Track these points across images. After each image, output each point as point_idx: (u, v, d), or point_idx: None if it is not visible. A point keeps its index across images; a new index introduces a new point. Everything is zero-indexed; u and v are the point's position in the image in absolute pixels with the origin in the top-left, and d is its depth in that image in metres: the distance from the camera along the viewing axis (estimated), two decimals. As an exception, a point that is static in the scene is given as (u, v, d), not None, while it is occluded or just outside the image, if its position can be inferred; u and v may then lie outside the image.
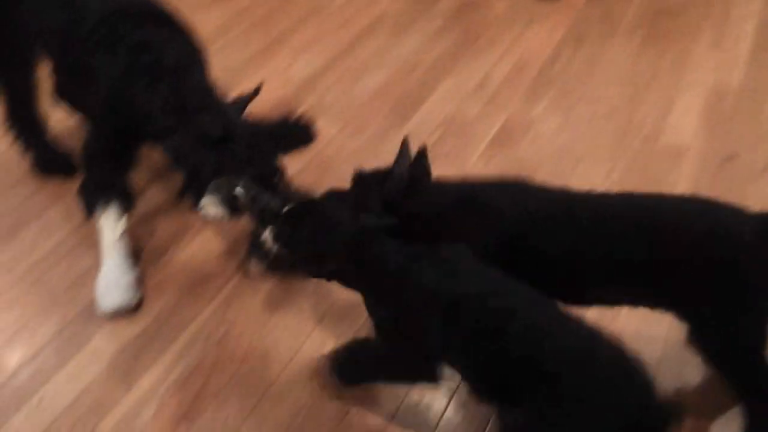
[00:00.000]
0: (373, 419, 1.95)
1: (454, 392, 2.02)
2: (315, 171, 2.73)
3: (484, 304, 1.63)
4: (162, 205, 2.67)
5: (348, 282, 1.81)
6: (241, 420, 1.98)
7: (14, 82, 2.72)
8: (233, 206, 2.18)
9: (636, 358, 1.54)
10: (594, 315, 1.87)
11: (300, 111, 3.04)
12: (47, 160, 2.82)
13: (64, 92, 2.79)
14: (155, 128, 2.29)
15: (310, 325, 2.21)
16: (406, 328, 1.72)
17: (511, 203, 1.80)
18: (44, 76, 2.74)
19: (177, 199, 2.45)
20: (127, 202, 2.46)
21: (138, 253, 2.47)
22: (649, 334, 2.07)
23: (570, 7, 3.75)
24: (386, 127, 2.99)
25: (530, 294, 1.65)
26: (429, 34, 3.61)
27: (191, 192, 2.31)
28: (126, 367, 2.13)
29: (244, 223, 2.33)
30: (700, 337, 1.74)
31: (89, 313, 2.29)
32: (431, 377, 1.77)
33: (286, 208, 1.79)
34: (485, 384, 1.67)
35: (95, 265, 2.38)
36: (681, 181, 2.61)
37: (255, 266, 2.33)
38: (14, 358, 2.17)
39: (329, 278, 1.81)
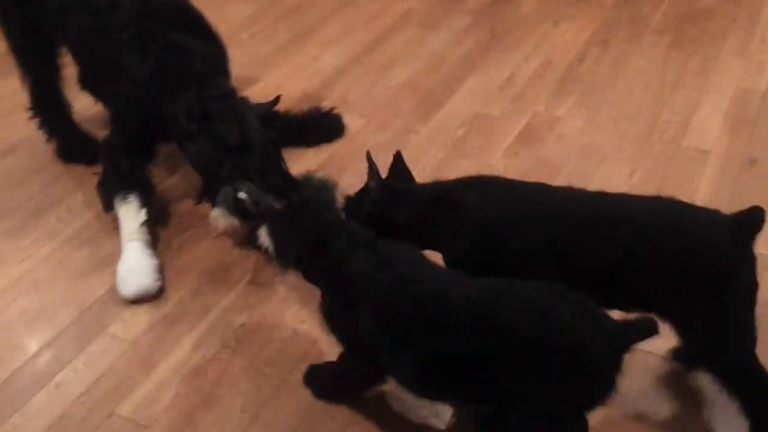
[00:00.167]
0: (389, 411, 1.95)
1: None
2: (337, 164, 2.74)
3: (415, 291, 1.64)
4: (182, 195, 2.68)
5: (311, 277, 1.86)
6: (257, 408, 1.98)
7: (39, 70, 2.76)
8: (242, 212, 2.22)
9: (594, 307, 1.54)
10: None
11: (325, 104, 3.04)
12: (71, 146, 2.85)
13: (89, 85, 2.81)
14: (177, 130, 2.36)
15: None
16: (340, 318, 1.76)
17: (481, 201, 1.80)
18: (69, 62, 2.75)
19: (195, 202, 2.47)
20: (147, 194, 2.49)
21: (158, 242, 2.48)
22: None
23: (598, 8, 3.74)
24: (411, 123, 2.99)
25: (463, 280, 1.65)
26: (456, 31, 3.61)
27: (208, 195, 2.38)
28: (145, 353, 2.14)
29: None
30: (682, 339, 1.75)
31: (109, 299, 2.30)
32: (374, 377, 1.80)
33: (272, 209, 1.87)
34: (431, 381, 1.66)
35: (117, 251, 2.39)
36: (703, 183, 2.60)
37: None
38: (34, 341, 2.19)
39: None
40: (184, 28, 2.45)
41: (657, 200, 1.73)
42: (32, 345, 2.18)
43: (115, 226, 2.49)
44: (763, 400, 1.71)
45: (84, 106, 2.93)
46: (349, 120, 2.92)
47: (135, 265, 2.32)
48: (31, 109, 2.82)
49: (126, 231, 2.41)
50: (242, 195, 2.17)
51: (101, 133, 2.76)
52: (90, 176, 2.68)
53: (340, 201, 1.99)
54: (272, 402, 2.00)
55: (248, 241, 2.37)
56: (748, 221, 1.61)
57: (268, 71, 3.29)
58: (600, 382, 1.52)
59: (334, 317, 1.80)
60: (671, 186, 2.61)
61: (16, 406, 2.00)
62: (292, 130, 2.81)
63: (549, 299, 1.54)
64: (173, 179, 2.76)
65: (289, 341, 2.15)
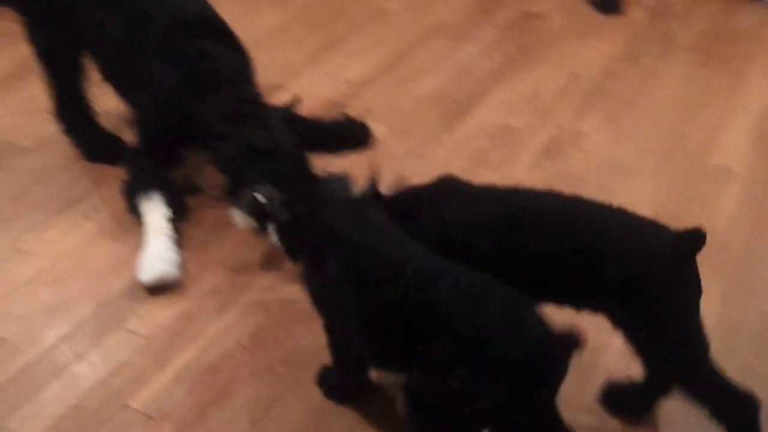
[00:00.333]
0: (396, 413, 1.95)
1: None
2: (358, 171, 2.73)
3: (377, 253, 1.70)
4: (206, 195, 2.70)
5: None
6: (268, 406, 1.99)
7: (64, 76, 2.80)
8: (258, 213, 2.24)
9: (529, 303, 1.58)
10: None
11: (350, 111, 3.05)
12: (95, 147, 2.88)
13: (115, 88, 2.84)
14: (206, 134, 2.40)
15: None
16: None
17: (443, 205, 1.86)
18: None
19: (221, 198, 2.49)
20: (171, 193, 2.53)
21: (180, 240, 2.49)
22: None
23: (628, 25, 3.74)
24: (435, 133, 3.00)
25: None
26: (485, 45, 3.61)
27: (232, 196, 2.39)
28: (160, 349, 2.15)
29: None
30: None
31: (128, 295, 2.32)
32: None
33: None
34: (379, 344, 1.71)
35: (137, 248, 2.42)
36: (726, 201, 2.59)
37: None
38: (51, 332, 2.21)
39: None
40: (212, 37, 2.51)
41: (607, 206, 1.79)
42: (50, 336, 2.20)
43: (137, 224, 2.51)
44: (727, 407, 1.75)
45: (111, 106, 2.95)
46: (373, 128, 2.93)
47: (156, 254, 2.35)
48: (54, 113, 2.86)
49: (150, 226, 2.44)
50: (259, 197, 2.19)
51: (125, 129, 2.82)
52: (114, 174, 2.71)
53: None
54: (283, 401, 2.01)
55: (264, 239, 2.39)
56: (689, 239, 1.69)
57: (295, 78, 3.30)
58: (506, 378, 1.53)
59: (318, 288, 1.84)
60: (694, 203, 2.60)
61: (30, 395, 2.02)
62: (316, 136, 2.82)
63: (482, 291, 1.59)
64: (199, 178, 2.77)
65: (303, 342, 2.16)
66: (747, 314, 2.20)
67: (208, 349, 2.15)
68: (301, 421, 1.96)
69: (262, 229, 1.98)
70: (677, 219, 2.47)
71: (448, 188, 1.92)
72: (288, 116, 2.52)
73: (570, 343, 1.52)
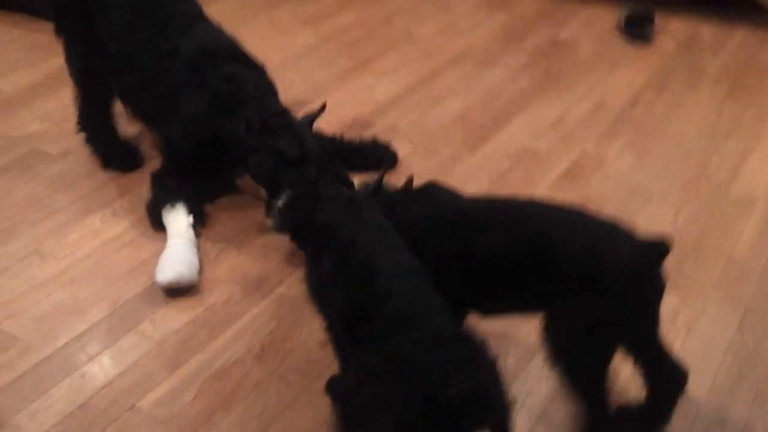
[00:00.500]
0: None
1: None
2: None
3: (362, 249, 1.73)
4: (225, 207, 2.73)
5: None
6: (276, 414, 1.98)
7: (93, 90, 2.92)
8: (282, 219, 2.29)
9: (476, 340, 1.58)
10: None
11: (375, 130, 3.06)
12: (115, 157, 2.94)
13: (141, 116, 2.96)
14: (237, 149, 2.49)
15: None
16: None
17: (414, 206, 1.91)
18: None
19: (265, 213, 2.55)
20: (194, 205, 2.59)
21: (198, 249, 2.50)
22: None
23: (657, 55, 3.72)
24: (458, 152, 3.00)
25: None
26: (512, 70, 3.62)
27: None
28: (171, 353, 2.16)
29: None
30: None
31: (143, 299, 2.33)
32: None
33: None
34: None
35: (155, 255, 2.44)
36: (747, 230, 2.57)
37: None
38: (65, 332, 2.22)
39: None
40: (235, 61, 2.64)
41: (567, 207, 1.82)
42: (62, 336, 2.21)
43: (156, 233, 2.55)
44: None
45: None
46: (398, 146, 2.93)
47: (176, 256, 2.39)
48: (78, 124, 2.95)
49: (173, 231, 2.48)
50: (279, 203, 2.22)
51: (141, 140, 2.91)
52: (136, 183, 2.76)
53: None
54: (291, 409, 2.00)
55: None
56: (651, 248, 1.67)
57: (323, 96, 3.31)
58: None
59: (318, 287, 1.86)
60: (715, 230, 2.58)
61: (40, 392, 2.03)
62: (340, 154, 2.84)
63: (419, 319, 1.60)
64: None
65: (315, 352, 2.16)
66: (763, 342, 2.17)
67: (218, 355, 2.15)
68: (309, 430, 1.95)
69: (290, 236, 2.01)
70: (697, 245, 2.50)
71: (426, 191, 1.95)
72: (309, 122, 2.60)
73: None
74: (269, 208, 2.45)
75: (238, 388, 2.05)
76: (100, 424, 1.95)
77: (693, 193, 2.75)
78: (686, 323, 2.23)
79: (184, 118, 2.61)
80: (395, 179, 2.77)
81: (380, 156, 2.91)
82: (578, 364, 1.73)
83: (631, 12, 3.89)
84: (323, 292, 1.83)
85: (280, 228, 2.23)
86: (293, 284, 2.38)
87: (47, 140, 3.07)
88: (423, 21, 4.12)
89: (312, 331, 2.20)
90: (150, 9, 2.69)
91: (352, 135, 2.95)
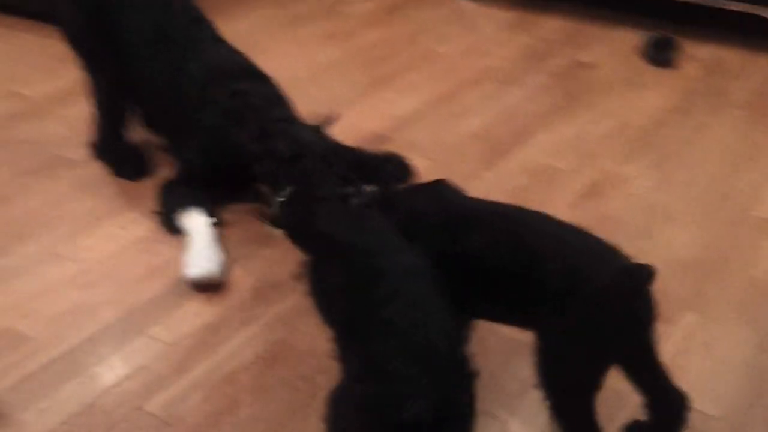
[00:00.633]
0: None
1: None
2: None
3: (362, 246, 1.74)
4: (239, 212, 2.74)
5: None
6: (284, 420, 1.97)
7: (110, 106, 2.98)
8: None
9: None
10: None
11: (392, 145, 3.06)
12: (126, 166, 2.98)
13: (157, 131, 3.02)
14: (247, 158, 2.47)
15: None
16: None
17: (418, 204, 1.91)
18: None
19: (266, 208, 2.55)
20: (209, 209, 2.61)
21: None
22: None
23: (682, 79, 3.71)
24: (475, 169, 2.99)
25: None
26: (533, 89, 3.61)
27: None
28: (181, 356, 2.15)
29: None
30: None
31: (156, 304, 2.33)
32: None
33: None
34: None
35: (171, 261, 2.46)
36: (766, 254, 2.54)
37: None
38: (76, 333, 2.22)
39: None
40: (244, 78, 2.71)
41: (560, 222, 1.82)
42: (73, 337, 2.21)
43: (172, 239, 2.56)
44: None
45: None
46: (415, 161, 2.92)
47: (203, 252, 2.43)
48: (91, 130, 3.01)
49: (195, 229, 2.52)
50: (279, 199, 2.23)
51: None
52: (152, 192, 2.76)
53: None
54: (299, 416, 1.99)
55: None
56: (634, 272, 1.62)
57: (343, 110, 3.32)
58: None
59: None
60: (735, 251, 2.56)
61: (48, 391, 2.03)
62: (356, 168, 2.84)
63: (413, 326, 1.56)
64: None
65: (325, 360, 2.13)
66: (781, 363, 2.15)
67: (228, 360, 2.14)
68: (317, 435, 1.94)
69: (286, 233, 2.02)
70: (716, 266, 2.48)
71: (431, 188, 1.96)
72: (333, 148, 2.58)
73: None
74: (269, 203, 2.41)
75: (247, 393, 2.04)
76: (106, 425, 1.95)
77: (713, 215, 2.73)
78: (704, 343, 2.20)
79: (199, 137, 2.68)
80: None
81: (397, 170, 2.91)
82: (561, 387, 1.70)
83: (653, 37, 3.88)
84: (325, 298, 1.81)
85: (278, 224, 2.24)
86: (305, 291, 2.37)
87: (70, 146, 3.09)
88: (447, 40, 4.13)
89: (322, 339, 2.18)
90: (165, 33, 2.77)
91: (370, 149, 2.95)
